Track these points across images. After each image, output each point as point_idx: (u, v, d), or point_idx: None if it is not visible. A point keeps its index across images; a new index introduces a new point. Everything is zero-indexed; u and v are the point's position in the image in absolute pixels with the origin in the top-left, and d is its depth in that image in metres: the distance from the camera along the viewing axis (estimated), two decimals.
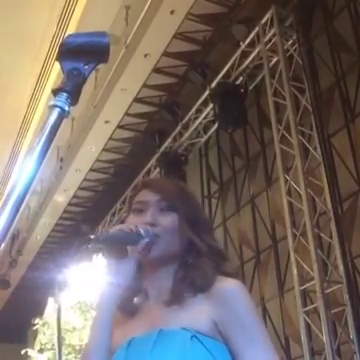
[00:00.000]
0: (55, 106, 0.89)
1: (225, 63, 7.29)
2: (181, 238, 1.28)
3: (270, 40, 6.71)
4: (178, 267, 1.27)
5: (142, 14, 6.79)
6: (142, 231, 1.24)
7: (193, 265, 1.24)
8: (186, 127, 8.26)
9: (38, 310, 11.77)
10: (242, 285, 1.22)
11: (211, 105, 7.50)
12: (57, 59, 0.94)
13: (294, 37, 6.66)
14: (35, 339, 11.62)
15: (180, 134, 8.43)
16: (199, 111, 7.94)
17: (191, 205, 1.36)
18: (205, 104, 7.76)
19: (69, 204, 11.01)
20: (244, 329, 1.15)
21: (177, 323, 1.13)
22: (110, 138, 9.12)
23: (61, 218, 11.49)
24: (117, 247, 1.25)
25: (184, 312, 1.16)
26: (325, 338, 5.26)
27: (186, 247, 1.28)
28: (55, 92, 0.90)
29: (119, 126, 8.88)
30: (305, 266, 5.70)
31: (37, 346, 11.35)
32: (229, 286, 1.19)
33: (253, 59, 7.04)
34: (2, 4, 6.97)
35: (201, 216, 1.37)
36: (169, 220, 1.29)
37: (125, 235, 1.23)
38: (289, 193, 6.13)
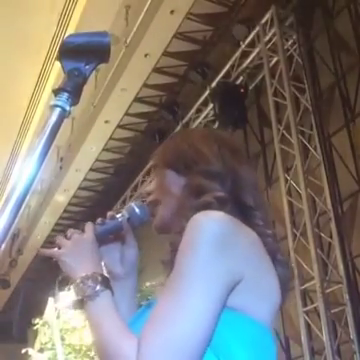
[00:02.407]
0: (56, 106, 0.89)
1: (225, 63, 7.29)
2: (171, 189, 1.10)
3: (270, 40, 6.71)
4: None
5: (142, 14, 6.79)
6: (124, 211, 1.16)
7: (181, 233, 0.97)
8: (186, 127, 8.24)
9: (38, 310, 11.75)
10: (207, 216, 0.93)
11: (211, 105, 7.49)
12: (58, 59, 0.94)
13: (294, 37, 6.66)
14: (35, 339, 11.59)
15: None
16: (199, 111, 7.93)
17: (172, 148, 1.16)
18: (205, 104, 7.75)
19: (69, 204, 11.00)
20: (170, 279, 0.92)
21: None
22: (110, 138, 9.11)
23: (61, 218, 11.47)
24: (109, 241, 1.16)
25: None
26: (325, 338, 5.26)
27: (189, 195, 1.05)
28: (56, 92, 0.91)
29: (119, 126, 8.87)
30: (305, 266, 5.69)
31: (37, 346, 11.32)
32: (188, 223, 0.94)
33: (253, 59, 7.03)
34: (2, 5, 6.96)
35: (188, 154, 1.10)
36: (155, 180, 1.17)
37: (102, 229, 1.13)
38: (289, 193, 6.13)
